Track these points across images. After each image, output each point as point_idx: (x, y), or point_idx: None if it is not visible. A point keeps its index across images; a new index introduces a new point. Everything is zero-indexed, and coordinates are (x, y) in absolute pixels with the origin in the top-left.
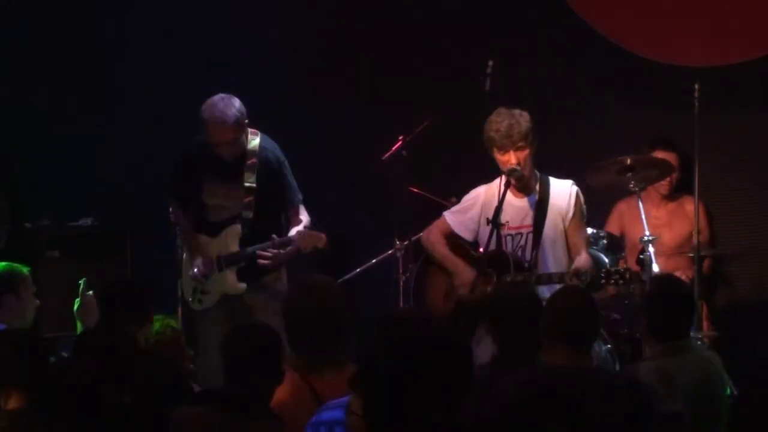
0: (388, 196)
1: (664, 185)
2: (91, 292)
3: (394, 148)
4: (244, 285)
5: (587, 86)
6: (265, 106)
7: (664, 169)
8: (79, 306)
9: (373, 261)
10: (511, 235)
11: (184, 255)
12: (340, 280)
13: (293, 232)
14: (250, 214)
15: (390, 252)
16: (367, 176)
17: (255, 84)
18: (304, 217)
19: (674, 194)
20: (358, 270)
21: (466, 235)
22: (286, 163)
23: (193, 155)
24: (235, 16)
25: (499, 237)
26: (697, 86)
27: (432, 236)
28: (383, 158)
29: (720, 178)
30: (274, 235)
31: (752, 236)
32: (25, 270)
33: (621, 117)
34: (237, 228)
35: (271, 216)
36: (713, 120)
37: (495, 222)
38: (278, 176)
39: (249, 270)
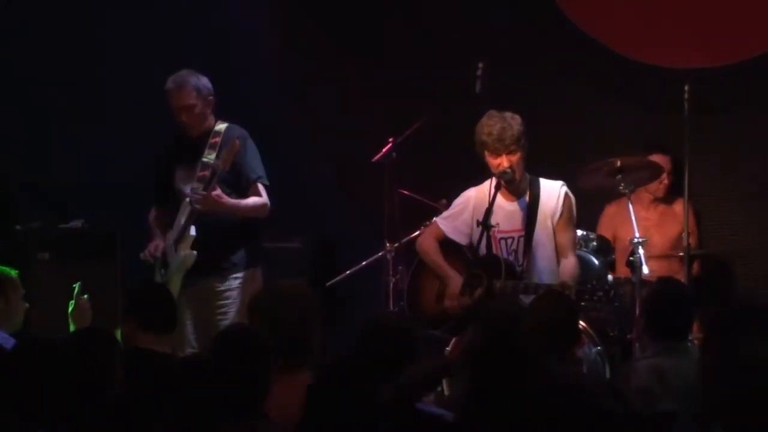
0: (379, 199)
1: (659, 188)
2: (86, 296)
3: (384, 150)
4: (192, 252)
5: (577, 88)
6: (256, 108)
7: (654, 171)
8: (73, 309)
9: (363, 263)
10: (504, 238)
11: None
12: (330, 282)
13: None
14: (200, 188)
15: (380, 254)
16: (357, 178)
17: (247, 86)
18: (261, 197)
19: (664, 195)
20: (348, 272)
21: (460, 239)
22: (252, 143)
23: (164, 147)
24: (230, 19)
25: (490, 239)
26: (687, 88)
27: (425, 243)
28: (373, 160)
29: (710, 181)
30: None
31: (742, 239)
32: (14, 273)
33: (611, 119)
34: (185, 203)
35: (236, 194)
36: (703, 122)
37: (485, 224)
38: (240, 151)
39: (219, 266)
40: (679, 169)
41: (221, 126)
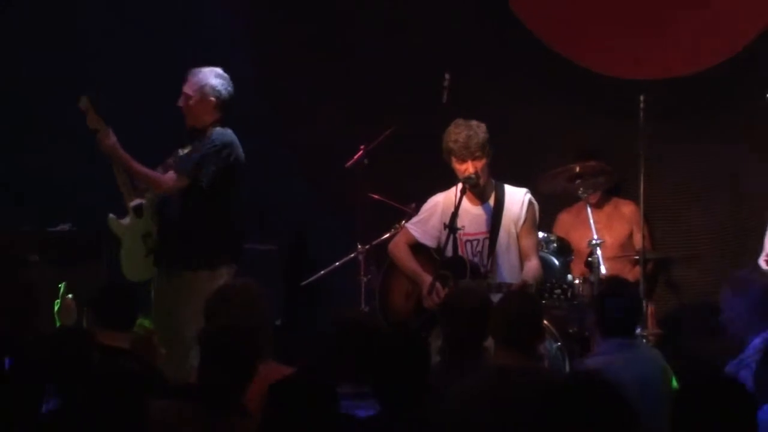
0: (351, 202)
1: (593, 195)
2: (70, 296)
3: (356, 157)
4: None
5: (539, 98)
6: (233, 114)
7: (610, 176)
8: (59, 308)
9: (337, 264)
10: (470, 240)
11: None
12: (305, 282)
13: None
14: (162, 171)
15: (352, 255)
16: (330, 183)
17: None
18: (165, 177)
19: (607, 198)
20: (322, 272)
21: (430, 242)
22: (216, 149)
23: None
24: (205, 27)
25: (456, 241)
26: (642, 98)
27: (397, 248)
28: (346, 166)
29: (663, 186)
30: None
31: (693, 241)
32: None
33: (571, 127)
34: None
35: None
36: (657, 129)
37: (451, 227)
38: (199, 147)
39: (192, 260)
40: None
41: (212, 130)
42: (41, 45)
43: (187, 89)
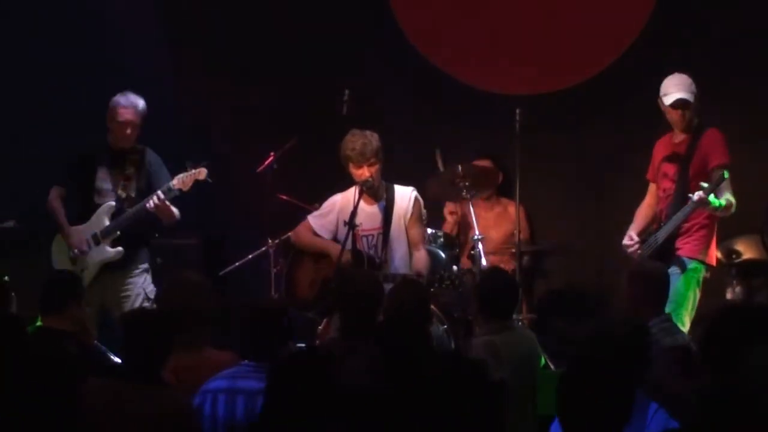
0: (262, 202)
1: (483, 194)
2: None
3: (266, 163)
4: (120, 249)
5: (427, 110)
6: (161, 125)
7: (491, 178)
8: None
9: (250, 256)
10: (365, 235)
11: (54, 243)
12: (222, 272)
13: (174, 180)
14: (123, 194)
15: (263, 249)
16: (245, 186)
17: (151, 102)
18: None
19: (499, 199)
20: (237, 264)
21: (326, 235)
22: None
23: (88, 151)
24: (127, 39)
25: (355, 236)
26: (518, 110)
27: (300, 233)
28: (258, 170)
29: (538, 188)
30: (153, 197)
31: (564, 235)
32: None
33: (457, 135)
34: (110, 204)
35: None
36: (531, 138)
37: (351, 224)
38: (158, 174)
39: (127, 261)
40: (503, 173)
41: (140, 147)
42: None
43: (138, 119)
